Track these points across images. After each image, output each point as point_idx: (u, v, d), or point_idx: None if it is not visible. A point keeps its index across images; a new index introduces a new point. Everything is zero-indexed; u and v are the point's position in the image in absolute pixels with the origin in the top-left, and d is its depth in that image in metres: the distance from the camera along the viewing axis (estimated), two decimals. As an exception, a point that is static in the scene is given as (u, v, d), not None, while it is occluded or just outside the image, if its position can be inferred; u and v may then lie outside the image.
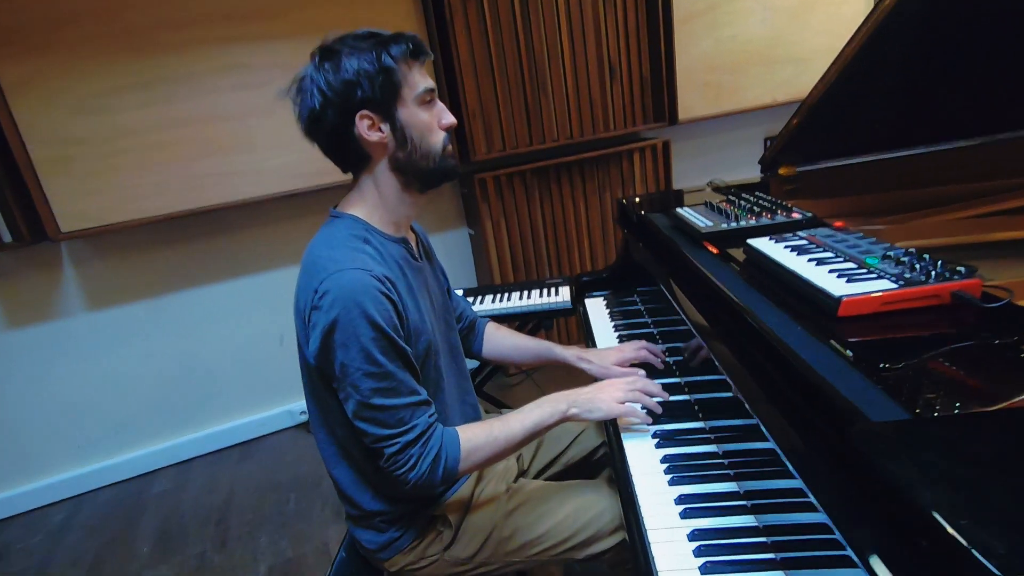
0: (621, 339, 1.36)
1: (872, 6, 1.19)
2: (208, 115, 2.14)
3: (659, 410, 0.98)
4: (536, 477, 1.19)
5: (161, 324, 2.41)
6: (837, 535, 0.67)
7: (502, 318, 1.79)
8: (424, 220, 2.73)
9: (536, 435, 0.95)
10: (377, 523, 0.97)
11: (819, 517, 0.71)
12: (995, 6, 1.16)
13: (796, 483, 0.76)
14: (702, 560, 0.72)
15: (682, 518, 0.80)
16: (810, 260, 0.83)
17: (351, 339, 0.81)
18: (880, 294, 0.70)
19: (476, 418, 1.12)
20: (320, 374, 0.88)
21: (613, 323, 1.45)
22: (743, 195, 1.29)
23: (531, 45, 2.38)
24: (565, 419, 0.96)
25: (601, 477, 1.21)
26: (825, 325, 0.71)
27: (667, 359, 1.20)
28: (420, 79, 0.90)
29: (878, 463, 0.47)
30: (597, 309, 1.55)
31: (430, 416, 0.88)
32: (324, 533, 1.95)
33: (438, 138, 0.93)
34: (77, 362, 2.33)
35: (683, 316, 1.09)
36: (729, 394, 0.99)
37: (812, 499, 0.72)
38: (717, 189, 1.58)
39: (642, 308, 1.49)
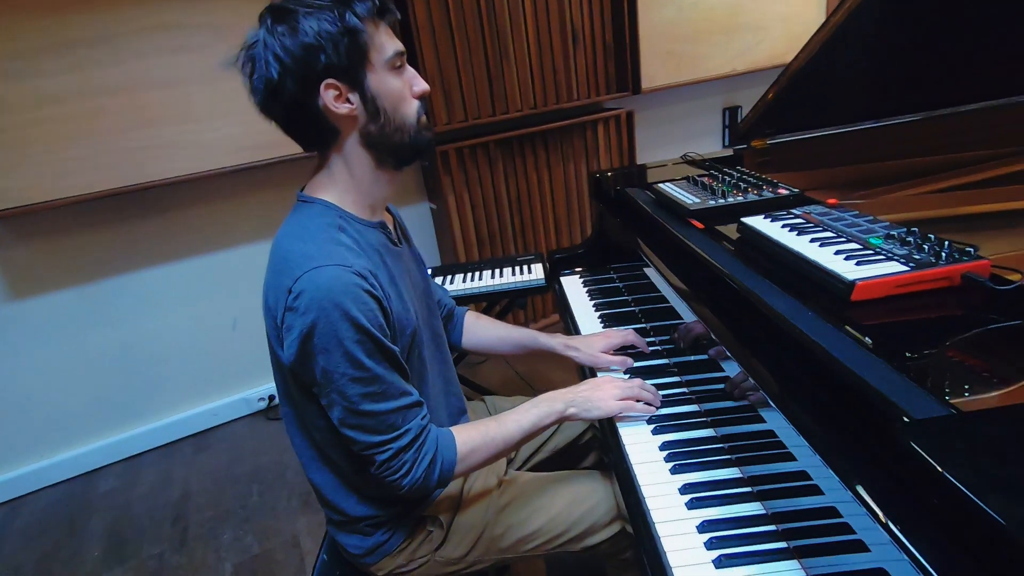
0: (603, 319, 1.33)
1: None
2: (139, 81, 1.93)
3: (654, 410, 0.95)
4: (523, 465, 1.15)
5: (97, 312, 2.22)
6: (846, 519, 0.67)
7: (474, 298, 1.73)
8: (382, 195, 2.61)
9: (533, 435, 0.91)
10: (363, 527, 0.92)
11: (825, 500, 0.70)
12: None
13: (798, 466, 0.75)
14: (715, 553, 0.70)
15: (689, 509, 0.77)
16: (812, 240, 0.81)
17: (333, 344, 0.73)
18: (893, 277, 0.68)
19: (461, 408, 1.07)
20: (297, 379, 0.80)
21: (593, 302, 1.42)
22: (725, 169, 1.26)
23: (492, 7, 2.26)
24: (562, 419, 0.92)
25: (588, 463, 1.19)
26: (837, 310, 0.69)
27: (655, 339, 1.17)
28: (388, 41, 0.80)
29: (938, 466, 0.45)
30: (575, 288, 1.51)
31: (423, 419, 0.82)
32: (292, 526, 1.87)
33: (412, 108, 0.84)
34: (2, 357, 2.12)
35: (677, 298, 1.06)
36: (720, 374, 0.98)
37: (816, 482, 0.71)
38: (692, 163, 1.55)
39: (621, 286, 1.46)
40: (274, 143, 2.10)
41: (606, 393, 0.93)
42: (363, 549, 0.92)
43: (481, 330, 1.19)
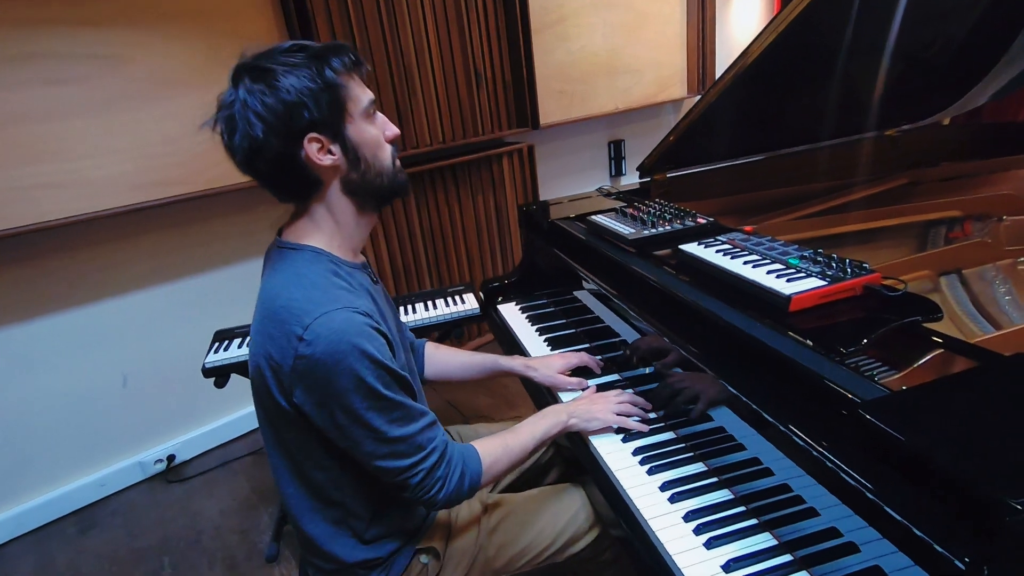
0: (548, 343, 1.42)
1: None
2: (8, 115, 1.72)
3: (648, 418, 1.04)
4: (495, 487, 1.20)
5: (-49, 380, 1.90)
6: (797, 492, 0.81)
7: (412, 330, 1.75)
8: (289, 231, 2.52)
9: (543, 445, 0.98)
10: (356, 572, 0.91)
11: (777, 480, 0.84)
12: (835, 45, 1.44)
13: (749, 454, 0.89)
14: (704, 537, 0.81)
15: (672, 503, 0.88)
16: (745, 263, 0.97)
17: (354, 383, 0.75)
18: (817, 290, 0.85)
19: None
20: (303, 424, 0.80)
21: (535, 327, 1.51)
22: (646, 202, 1.43)
23: (399, 48, 2.33)
24: (566, 429, 0.99)
25: (552, 478, 1.27)
26: (779, 319, 0.84)
27: (600, 357, 1.29)
28: (362, 92, 0.85)
29: (893, 431, 0.59)
30: (514, 316, 1.60)
31: (443, 435, 0.86)
32: (221, 593, 1.72)
33: (387, 152, 0.88)
34: None
35: (614, 317, 1.18)
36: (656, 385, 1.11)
37: (767, 466, 0.86)
38: (608, 195, 1.72)
39: (557, 311, 1.57)
40: (166, 181, 1.98)
41: (603, 406, 1.02)
42: (359, 593, 0.91)
43: (442, 360, 1.23)
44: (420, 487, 0.82)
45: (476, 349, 2.81)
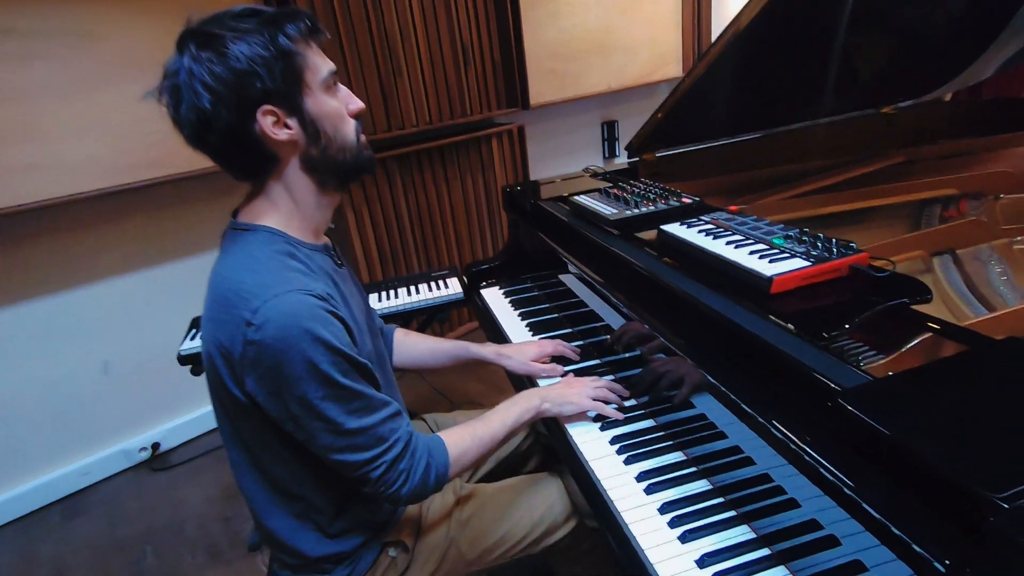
0: (531, 328, 1.38)
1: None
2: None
3: (624, 405, 1.01)
4: (471, 477, 1.17)
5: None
6: (778, 482, 0.77)
7: (393, 316, 1.71)
8: (273, 215, 2.47)
9: (515, 432, 0.94)
10: (322, 566, 0.88)
11: (757, 469, 0.81)
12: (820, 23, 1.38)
13: (730, 442, 0.85)
14: (680, 530, 0.77)
15: (648, 495, 0.84)
16: (728, 243, 0.92)
17: (307, 371, 0.70)
18: (801, 271, 0.81)
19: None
20: (254, 417, 0.76)
21: (517, 312, 1.47)
22: (631, 182, 1.38)
23: (383, 26, 2.26)
24: (539, 414, 0.96)
25: (531, 467, 1.24)
26: (760, 302, 0.80)
27: (583, 342, 1.25)
28: (322, 61, 0.79)
29: (873, 421, 0.55)
30: (497, 300, 1.56)
31: (408, 426, 0.82)
32: (202, 582, 1.71)
33: (350, 127, 0.83)
34: None
35: (598, 301, 1.14)
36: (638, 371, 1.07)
37: (748, 455, 0.82)
38: (595, 175, 1.67)
39: (541, 295, 1.53)
40: (145, 163, 1.92)
41: (578, 391, 0.98)
42: (324, 588, 0.88)
43: (411, 347, 1.19)
44: (382, 481, 0.79)
45: (461, 337, 2.78)
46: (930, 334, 0.74)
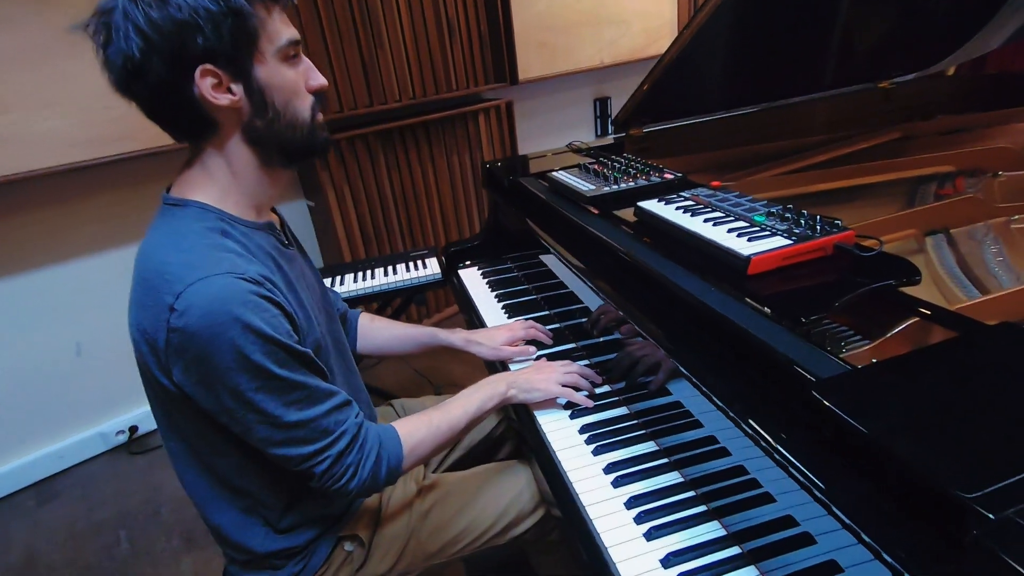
0: (507, 310, 1.32)
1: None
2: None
3: (594, 391, 0.96)
4: (440, 465, 1.12)
5: None
6: (753, 475, 0.72)
7: (368, 298, 1.65)
8: (252, 193, 2.40)
9: (478, 420, 0.89)
10: (272, 562, 0.83)
11: (733, 460, 0.76)
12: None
13: (705, 432, 0.80)
14: (646, 527, 0.73)
15: (615, 488, 0.80)
16: (706, 221, 0.86)
17: (237, 362, 0.65)
18: (781, 250, 0.75)
19: (371, 416, 1.01)
20: (189, 408, 0.70)
21: (494, 293, 1.41)
22: (613, 157, 1.31)
23: (363, -4, 2.16)
24: (504, 401, 0.91)
25: (504, 454, 1.19)
26: (736, 283, 0.74)
27: (560, 325, 1.19)
28: (283, 28, 0.72)
29: (846, 416, 0.49)
30: (474, 281, 1.50)
31: (357, 416, 0.77)
32: (176, 569, 1.67)
33: (306, 103, 0.75)
34: None
35: (577, 282, 1.09)
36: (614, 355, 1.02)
37: (723, 445, 0.77)
38: (579, 151, 1.60)
39: (520, 276, 1.47)
40: (114, 137, 1.84)
41: (547, 376, 0.93)
42: (275, 584, 0.84)
43: (377, 332, 1.13)
44: (327, 475, 0.73)
45: (440, 324, 2.72)
46: (917, 319, 0.69)
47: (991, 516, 0.38)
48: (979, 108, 1.58)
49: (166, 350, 0.65)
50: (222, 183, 0.74)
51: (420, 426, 0.83)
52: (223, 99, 0.69)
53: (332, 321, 0.94)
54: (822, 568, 0.61)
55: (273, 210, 0.87)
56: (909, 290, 0.70)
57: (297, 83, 0.74)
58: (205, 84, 0.67)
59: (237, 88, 0.70)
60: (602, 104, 3.37)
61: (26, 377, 2.04)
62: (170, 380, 0.68)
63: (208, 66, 0.67)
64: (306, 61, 0.76)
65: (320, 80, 0.77)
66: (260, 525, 0.81)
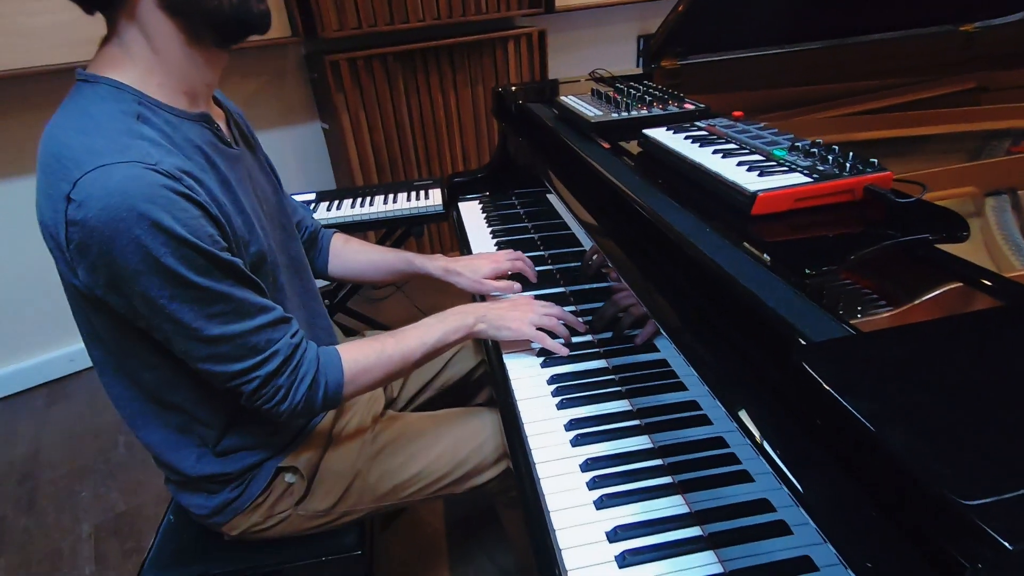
0: (499, 246, 1.22)
1: None
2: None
3: (571, 340, 0.86)
4: (408, 404, 1.05)
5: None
6: (732, 449, 0.62)
7: (364, 224, 1.57)
8: (266, 111, 2.31)
9: (438, 352, 0.81)
10: (206, 486, 0.78)
11: (713, 431, 0.65)
12: None
13: (688, 395, 0.70)
14: (597, 493, 0.64)
15: (573, 447, 0.71)
16: (715, 152, 0.73)
17: (145, 263, 0.57)
18: (795, 188, 0.61)
19: (331, 343, 0.94)
20: (107, 312, 0.64)
21: (490, 228, 1.30)
22: (631, 83, 1.16)
23: None
24: (470, 335, 0.82)
25: (480, 400, 1.12)
26: (738, 225, 0.61)
27: (553, 267, 1.08)
28: None
29: (835, 393, 0.38)
30: (472, 213, 1.39)
31: (293, 336, 0.69)
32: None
33: None
34: None
35: (577, 223, 0.97)
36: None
37: (704, 412, 0.67)
38: (600, 79, 1.44)
39: (522, 212, 1.36)
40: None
41: (522, 314, 0.83)
42: (209, 509, 0.79)
43: (350, 255, 1.04)
44: (257, 396, 0.67)
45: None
46: (959, 283, 0.56)
47: (1008, 546, 0.27)
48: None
49: (68, 247, 0.58)
50: (143, 62, 0.64)
51: (369, 353, 0.75)
52: None
53: (290, 238, 0.86)
54: (793, 564, 0.51)
55: (221, 105, 0.77)
56: (951, 248, 0.57)
57: None
58: None
59: None
60: (647, 42, 3.10)
61: (35, 281, 2.05)
62: (80, 281, 0.60)
63: None
64: None
65: None
66: (195, 446, 0.76)
